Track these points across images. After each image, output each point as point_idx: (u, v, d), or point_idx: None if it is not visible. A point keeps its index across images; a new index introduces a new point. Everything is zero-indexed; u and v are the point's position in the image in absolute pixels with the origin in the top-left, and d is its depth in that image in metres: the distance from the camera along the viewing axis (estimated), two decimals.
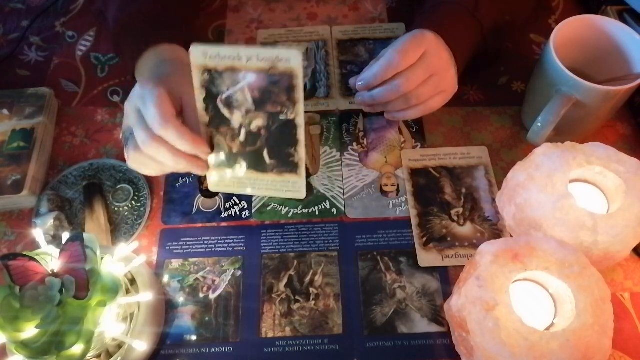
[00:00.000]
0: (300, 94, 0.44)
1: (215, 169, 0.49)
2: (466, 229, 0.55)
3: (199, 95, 0.45)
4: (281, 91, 0.44)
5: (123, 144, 0.48)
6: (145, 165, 0.48)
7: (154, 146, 0.44)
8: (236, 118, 0.46)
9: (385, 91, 0.52)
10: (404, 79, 0.51)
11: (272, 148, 0.47)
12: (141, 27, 0.55)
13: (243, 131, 0.46)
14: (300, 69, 0.42)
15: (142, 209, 0.57)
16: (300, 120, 0.45)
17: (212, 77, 0.44)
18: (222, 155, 0.48)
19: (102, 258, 0.44)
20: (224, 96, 0.45)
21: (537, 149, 0.52)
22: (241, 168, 0.49)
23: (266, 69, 0.43)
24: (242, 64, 0.43)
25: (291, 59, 0.42)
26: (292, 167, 0.48)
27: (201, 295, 0.53)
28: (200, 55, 0.43)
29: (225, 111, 0.46)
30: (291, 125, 0.45)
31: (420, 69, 0.51)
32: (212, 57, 0.43)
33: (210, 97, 0.45)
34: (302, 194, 0.49)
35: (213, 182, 0.50)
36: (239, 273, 0.54)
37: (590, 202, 0.51)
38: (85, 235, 0.43)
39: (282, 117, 0.45)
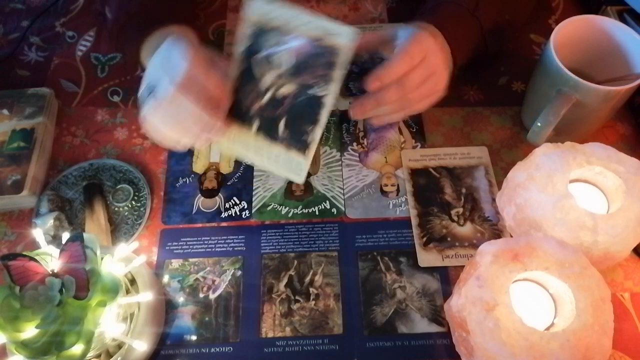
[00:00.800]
0: (338, 73, 0.42)
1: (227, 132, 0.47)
2: (466, 229, 0.55)
3: (240, 47, 0.44)
4: (321, 65, 0.42)
5: (140, 105, 0.46)
6: (163, 123, 0.45)
7: (177, 99, 0.42)
8: (266, 80, 0.44)
9: (389, 92, 0.51)
10: (408, 81, 0.50)
11: (290, 119, 0.45)
12: (146, 16, 0.55)
13: (268, 94, 0.45)
14: (348, 49, 0.41)
15: (142, 209, 0.57)
16: (329, 100, 0.43)
17: (259, 32, 0.43)
18: (238, 111, 0.46)
19: (102, 258, 0.44)
20: (262, 54, 0.43)
21: (537, 149, 0.52)
22: (252, 128, 0.47)
23: (316, 37, 0.41)
24: (294, 26, 0.42)
25: (342, 35, 0.41)
26: (302, 146, 0.46)
27: (201, 295, 0.53)
28: (256, 8, 0.42)
29: (257, 70, 0.44)
30: (318, 102, 0.44)
31: (422, 69, 0.51)
32: (266, 13, 0.42)
33: (248, 53, 0.44)
34: (301, 177, 0.47)
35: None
36: (239, 273, 0.54)
37: (590, 202, 0.51)
38: (85, 235, 0.43)
39: (311, 91, 0.44)
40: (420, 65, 0.51)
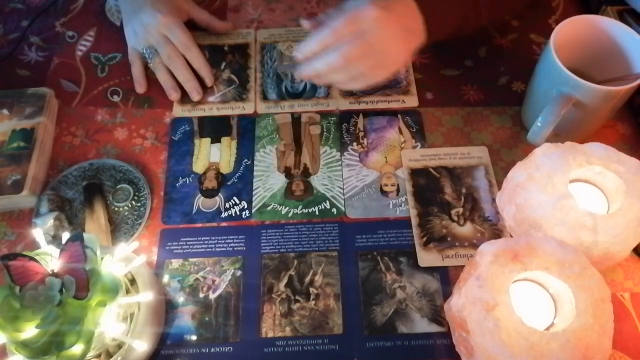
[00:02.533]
0: None
1: None
2: (466, 229, 0.55)
3: None
4: None
5: (145, 57, 0.65)
6: (165, 73, 0.64)
7: (176, 61, 0.64)
8: None
9: (322, 64, 0.53)
10: (338, 55, 0.52)
11: None
12: None
13: None
14: None
15: (142, 209, 0.57)
16: None
17: None
18: None
19: (102, 258, 0.44)
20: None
21: (537, 149, 0.52)
22: None
23: None
24: None
25: None
26: None
27: (201, 295, 0.53)
28: None
29: None
30: None
31: (354, 45, 0.51)
32: None
33: None
34: None
35: None
36: (239, 273, 0.54)
37: (590, 202, 0.51)
38: (85, 235, 0.43)
39: None
40: (354, 40, 0.51)
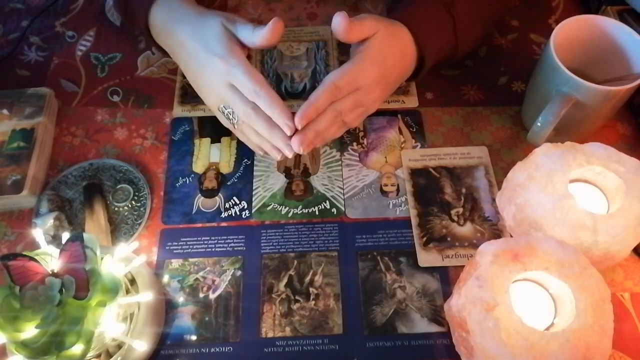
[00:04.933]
0: None
1: None
2: (466, 229, 0.55)
3: None
4: None
5: (227, 119, 0.52)
6: (249, 138, 0.53)
7: (254, 116, 0.49)
8: None
9: (324, 119, 0.50)
10: (339, 106, 0.50)
11: None
12: None
13: None
14: None
15: (142, 209, 0.57)
16: None
17: None
18: None
19: (102, 258, 0.44)
20: None
21: (537, 149, 0.52)
22: None
23: None
24: None
25: None
26: None
27: (201, 295, 0.53)
28: None
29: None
30: None
31: (354, 96, 0.51)
32: None
33: None
34: None
35: None
36: (239, 273, 0.54)
37: (590, 202, 0.51)
38: (85, 235, 0.43)
39: None
40: (353, 94, 0.51)
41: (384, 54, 0.52)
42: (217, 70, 0.50)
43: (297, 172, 0.60)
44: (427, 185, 0.58)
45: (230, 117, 0.51)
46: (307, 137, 0.49)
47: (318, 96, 0.49)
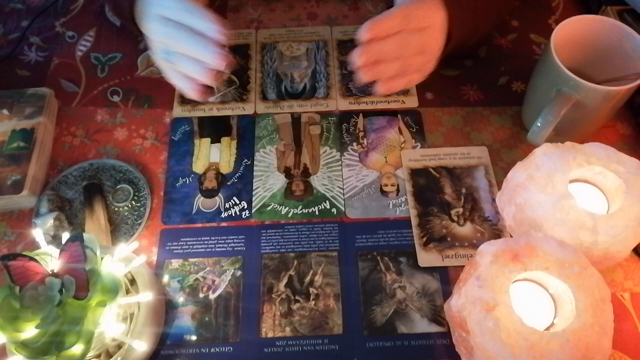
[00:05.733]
0: None
1: None
2: (466, 229, 0.55)
3: None
4: None
5: (158, 64, 0.53)
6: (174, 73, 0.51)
7: (185, 35, 0.47)
8: None
9: (387, 43, 0.48)
10: (406, 40, 0.48)
11: None
12: None
13: None
14: None
15: (142, 209, 0.57)
16: None
17: None
18: None
19: (102, 258, 0.44)
20: None
21: (537, 149, 0.52)
22: None
23: None
24: None
25: None
26: None
27: (201, 295, 0.53)
28: None
29: None
30: None
31: (421, 35, 0.49)
32: None
33: None
34: None
35: None
36: (239, 273, 0.54)
37: (590, 202, 0.51)
38: (85, 235, 0.43)
39: None
40: (421, 31, 0.49)
41: (439, 6, 0.51)
42: (152, 10, 0.50)
43: (297, 172, 0.60)
44: (427, 186, 0.58)
45: (169, 56, 0.50)
46: (369, 53, 0.47)
47: (389, 15, 0.46)
